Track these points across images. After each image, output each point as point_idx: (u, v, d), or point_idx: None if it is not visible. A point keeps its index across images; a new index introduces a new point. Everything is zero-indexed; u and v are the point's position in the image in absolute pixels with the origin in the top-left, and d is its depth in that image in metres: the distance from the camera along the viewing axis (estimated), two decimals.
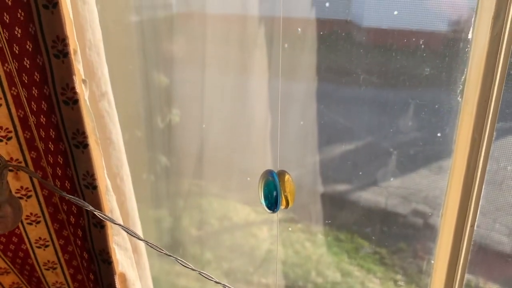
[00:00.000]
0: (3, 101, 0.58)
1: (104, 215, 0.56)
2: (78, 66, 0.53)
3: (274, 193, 0.60)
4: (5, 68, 0.56)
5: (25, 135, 0.61)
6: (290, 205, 0.63)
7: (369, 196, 1.12)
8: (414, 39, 0.92)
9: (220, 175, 1.27)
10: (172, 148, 1.27)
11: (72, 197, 0.52)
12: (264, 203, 0.62)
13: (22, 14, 0.48)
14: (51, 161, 0.59)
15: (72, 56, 0.50)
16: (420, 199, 1.06)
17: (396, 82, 0.96)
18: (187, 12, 1.14)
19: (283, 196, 0.61)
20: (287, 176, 0.62)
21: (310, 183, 1.18)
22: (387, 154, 1.06)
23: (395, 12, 0.91)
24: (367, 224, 1.14)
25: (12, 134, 0.62)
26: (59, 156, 0.57)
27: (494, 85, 0.74)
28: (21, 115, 0.59)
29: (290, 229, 1.25)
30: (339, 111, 1.08)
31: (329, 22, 1.01)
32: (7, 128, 0.61)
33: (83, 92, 0.55)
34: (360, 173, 1.12)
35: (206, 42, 1.13)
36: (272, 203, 0.61)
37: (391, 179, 1.09)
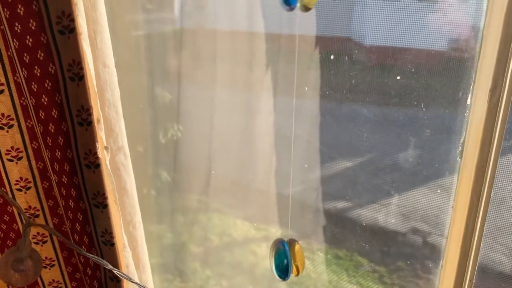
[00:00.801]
0: (24, 154, 0.62)
1: (121, 273, 0.59)
2: (101, 134, 0.57)
3: (285, 262, 0.62)
4: (27, 124, 0.60)
5: (43, 185, 0.65)
6: (300, 272, 0.65)
7: (369, 214, 1.12)
8: (416, 58, 0.94)
9: (221, 191, 1.28)
10: (173, 164, 1.27)
11: (91, 255, 0.55)
12: (275, 272, 0.64)
13: (49, 84, 0.51)
14: (71, 217, 0.62)
15: (96, 125, 0.54)
16: (419, 217, 1.06)
17: (398, 101, 0.97)
18: (190, 28, 1.16)
19: (293, 265, 0.63)
20: (297, 246, 0.64)
21: (311, 200, 1.18)
22: (387, 172, 1.07)
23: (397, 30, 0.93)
24: (366, 242, 1.14)
25: (31, 184, 0.66)
26: (79, 213, 0.61)
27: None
28: (41, 167, 0.63)
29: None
30: (339, 129, 1.09)
31: (331, 40, 1.02)
32: (26, 179, 0.65)
33: (104, 157, 0.58)
34: (360, 190, 1.13)
35: (210, 58, 1.15)
36: (283, 271, 0.63)
37: (391, 197, 1.09)
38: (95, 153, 0.56)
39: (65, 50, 0.48)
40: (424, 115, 0.96)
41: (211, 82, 1.18)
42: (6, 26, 0.48)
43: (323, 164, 1.16)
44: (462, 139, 0.83)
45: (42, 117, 0.53)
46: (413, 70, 0.94)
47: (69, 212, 0.62)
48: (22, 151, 0.61)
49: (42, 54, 0.48)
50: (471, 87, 0.80)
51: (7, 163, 0.61)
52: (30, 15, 0.46)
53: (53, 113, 0.53)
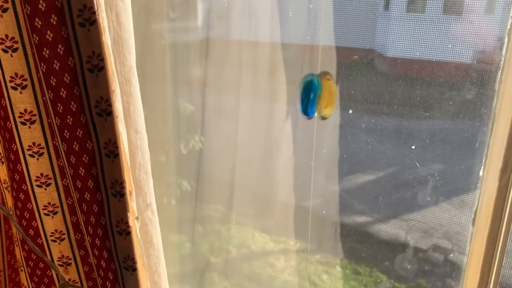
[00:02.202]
0: (59, 209, 0.66)
1: None
2: (133, 205, 0.61)
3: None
4: (68, 201, 0.65)
5: (76, 236, 0.69)
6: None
7: (389, 229, 1.11)
8: (439, 71, 0.93)
9: (240, 202, 1.28)
10: (194, 174, 1.29)
11: None
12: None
13: (87, 158, 0.55)
14: (102, 275, 0.66)
15: (128, 197, 0.58)
16: (441, 234, 1.04)
17: (419, 113, 0.96)
18: (213, 37, 1.18)
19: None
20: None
21: (329, 213, 1.18)
22: (408, 186, 1.05)
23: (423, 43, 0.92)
24: (386, 258, 1.12)
25: (66, 236, 0.70)
26: (110, 273, 0.64)
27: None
28: (74, 220, 0.67)
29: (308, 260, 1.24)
30: (360, 141, 1.08)
31: (353, 51, 1.03)
32: (61, 231, 0.68)
33: (135, 226, 0.62)
34: (381, 205, 1.12)
35: (231, 68, 1.16)
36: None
37: (411, 212, 1.08)
38: (127, 222, 0.60)
39: (102, 130, 0.53)
40: (447, 128, 0.95)
41: (232, 93, 1.19)
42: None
43: (343, 177, 1.15)
44: (485, 158, 0.82)
45: (79, 186, 0.58)
46: (436, 82, 0.93)
47: (100, 270, 0.66)
48: (58, 207, 0.66)
49: (81, 132, 0.53)
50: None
51: (44, 217, 0.65)
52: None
53: (89, 184, 0.57)
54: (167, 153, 1.27)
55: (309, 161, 1.17)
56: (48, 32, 0.47)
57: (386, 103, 0.98)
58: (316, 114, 0.63)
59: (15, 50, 0.53)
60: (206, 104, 1.23)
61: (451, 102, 0.92)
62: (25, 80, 0.53)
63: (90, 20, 0.47)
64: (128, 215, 0.60)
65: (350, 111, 1.05)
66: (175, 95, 1.25)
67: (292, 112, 1.14)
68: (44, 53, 0.48)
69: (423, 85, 0.95)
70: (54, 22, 0.47)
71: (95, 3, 0.46)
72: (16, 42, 0.53)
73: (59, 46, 0.48)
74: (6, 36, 0.52)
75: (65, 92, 0.49)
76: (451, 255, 1.05)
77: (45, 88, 0.50)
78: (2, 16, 0.51)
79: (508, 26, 0.76)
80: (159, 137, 1.26)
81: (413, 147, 1.00)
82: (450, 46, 0.90)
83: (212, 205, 1.28)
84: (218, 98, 1.21)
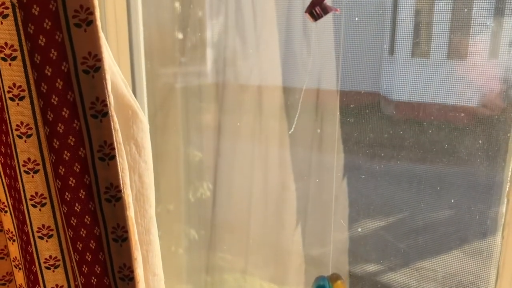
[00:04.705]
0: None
1: None
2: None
3: None
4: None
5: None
6: None
7: (400, 278, 1.08)
8: (444, 114, 0.93)
9: (247, 250, 1.27)
10: (202, 222, 1.28)
11: None
12: None
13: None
14: None
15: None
16: (454, 284, 1.01)
17: (429, 157, 0.95)
18: (219, 83, 1.21)
19: None
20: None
21: (338, 261, 1.15)
22: (418, 233, 1.03)
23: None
24: None
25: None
26: None
27: None
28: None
29: None
30: (369, 185, 1.07)
31: (359, 94, 1.04)
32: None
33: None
34: (391, 252, 1.09)
35: (239, 113, 1.18)
36: None
37: (423, 260, 1.05)
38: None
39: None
40: (458, 172, 0.94)
41: (240, 138, 1.21)
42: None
43: (351, 223, 1.13)
44: (506, 202, 0.79)
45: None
46: (442, 126, 0.93)
47: None
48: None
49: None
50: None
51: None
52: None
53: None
54: (175, 202, 1.28)
55: (316, 207, 1.16)
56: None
57: (392, 147, 0.98)
58: None
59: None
60: (213, 151, 1.24)
61: (459, 146, 0.91)
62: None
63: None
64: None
65: (356, 155, 1.05)
66: (184, 143, 1.27)
67: (299, 156, 1.14)
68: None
69: (428, 128, 0.95)
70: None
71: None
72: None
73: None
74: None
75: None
76: None
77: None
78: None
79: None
80: (167, 186, 1.27)
81: (420, 191, 0.99)
82: (454, 90, 0.91)
83: (219, 254, 1.27)
84: (225, 144, 1.22)
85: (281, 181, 1.19)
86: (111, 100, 0.49)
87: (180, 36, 1.23)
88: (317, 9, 0.56)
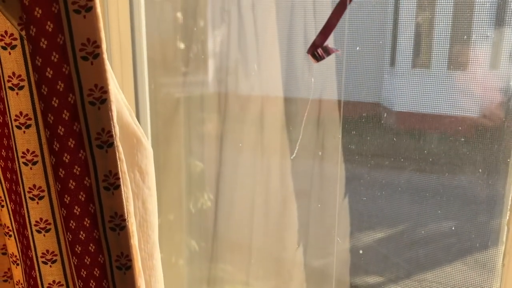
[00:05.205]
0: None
1: None
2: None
3: None
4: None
5: None
6: None
7: None
8: (444, 125, 0.93)
9: (249, 261, 1.27)
10: (202, 233, 1.29)
11: None
12: None
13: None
14: None
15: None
16: None
17: (430, 168, 0.96)
18: (220, 92, 1.21)
19: None
20: None
21: (339, 273, 1.16)
22: (419, 245, 1.03)
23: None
24: None
25: None
26: None
27: None
28: None
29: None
30: (369, 196, 1.08)
31: (360, 105, 1.04)
32: None
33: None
34: (392, 264, 1.10)
35: (239, 123, 1.19)
36: None
37: (425, 272, 1.05)
38: None
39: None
40: (459, 183, 0.94)
41: (240, 148, 1.21)
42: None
43: (352, 234, 1.14)
44: (508, 214, 0.79)
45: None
46: (442, 136, 0.94)
47: None
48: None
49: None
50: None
51: None
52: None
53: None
54: (176, 212, 1.28)
55: (317, 218, 1.17)
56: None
57: (393, 157, 0.98)
58: None
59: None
60: (215, 161, 1.25)
61: (460, 156, 0.91)
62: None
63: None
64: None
65: (357, 165, 1.05)
66: (185, 153, 1.28)
67: (300, 166, 1.14)
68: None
69: (429, 139, 0.95)
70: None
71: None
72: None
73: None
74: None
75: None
76: None
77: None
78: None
79: None
80: (168, 196, 1.27)
81: (420, 201, 0.99)
82: (455, 100, 0.92)
83: (221, 265, 1.28)
84: (228, 155, 1.23)
85: (283, 193, 1.19)
86: (116, 130, 0.50)
87: (182, 46, 1.23)
88: (319, 50, 0.57)
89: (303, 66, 1.11)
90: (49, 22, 0.46)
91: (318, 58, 0.58)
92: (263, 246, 1.25)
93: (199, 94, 1.24)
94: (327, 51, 0.57)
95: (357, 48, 0.99)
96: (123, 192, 0.50)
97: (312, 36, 1.07)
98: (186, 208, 1.27)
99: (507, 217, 0.76)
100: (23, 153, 0.54)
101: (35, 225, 0.56)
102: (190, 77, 1.24)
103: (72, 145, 0.49)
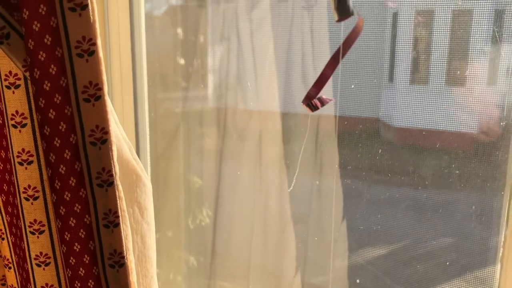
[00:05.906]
0: None
1: None
2: None
3: None
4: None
5: None
6: None
7: None
8: (443, 140, 0.94)
9: (248, 278, 1.27)
10: (201, 249, 1.29)
11: None
12: None
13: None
14: None
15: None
16: None
17: (428, 183, 0.96)
18: (219, 107, 1.22)
19: None
20: None
21: None
22: (419, 261, 1.04)
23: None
24: None
25: None
26: None
27: None
28: None
29: None
30: (368, 212, 1.08)
31: (359, 120, 1.05)
32: None
33: None
34: (391, 281, 1.10)
35: (239, 140, 1.19)
36: None
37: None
38: None
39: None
40: (459, 199, 0.94)
41: (239, 164, 1.22)
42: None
43: (350, 251, 1.14)
44: (504, 229, 0.79)
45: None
46: (441, 151, 0.94)
47: None
48: None
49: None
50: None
51: None
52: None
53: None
54: (174, 228, 1.29)
55: (315, 235, 1.17)
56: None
57: (391, 172, 0.99)
58: None
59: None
60: (214, 177, 1.25)
61: (457, 171, 0.92)
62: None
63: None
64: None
65: (354, 180, 1.05)
66: (184, 170, 1.28)
67: (300, 182, 1.14)
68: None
69: (428, 154, 0.95)
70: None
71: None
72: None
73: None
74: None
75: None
76: None
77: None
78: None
79: None
80: (167, 212, 1.28)
81: (417, 217, 1.00)
82: (453, 116, 0.92)
83: (219, 282, 1.28)
84: (226, 170, 1.23)
85: (281, 208, 1.20)
86: (116, 170, 0.50)
87: (182, 61, 1.24)
88: (314, 101, 0.58)
89: (301, 81, 1.11)
90: (52, 65, 0.47)
91: (313, 108, 0.59)
92: (262, 262, 1.25)
93: (199, 109, 1.25)
94: (322, 102, 0.59)
95: (352, 86, 1.00)
96: (122, 230, 0.51)
97: (309, 55, 1.08)
98: (184, 224, 1.28)
99: (503, 233, 0.77)
100: (25, 188, 0.54)
101: (35, 259, 0.56)
102: (190, 92, 1.24)
103: (73, 184, 0.50)
